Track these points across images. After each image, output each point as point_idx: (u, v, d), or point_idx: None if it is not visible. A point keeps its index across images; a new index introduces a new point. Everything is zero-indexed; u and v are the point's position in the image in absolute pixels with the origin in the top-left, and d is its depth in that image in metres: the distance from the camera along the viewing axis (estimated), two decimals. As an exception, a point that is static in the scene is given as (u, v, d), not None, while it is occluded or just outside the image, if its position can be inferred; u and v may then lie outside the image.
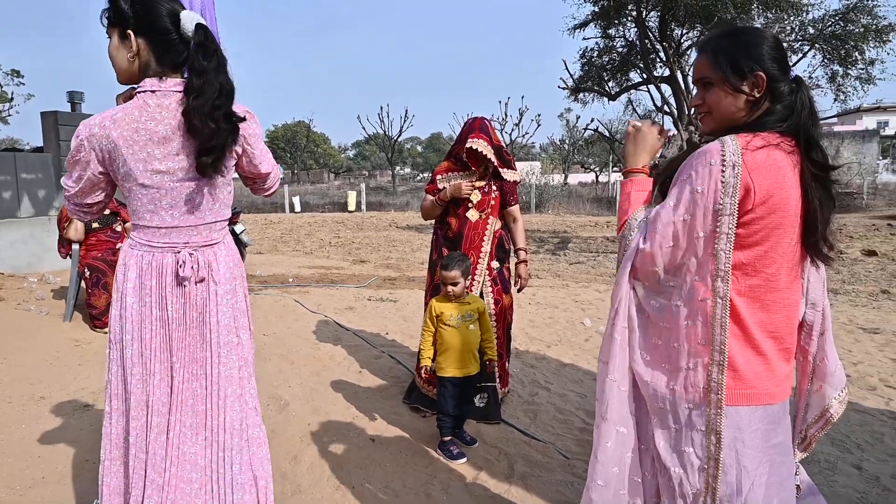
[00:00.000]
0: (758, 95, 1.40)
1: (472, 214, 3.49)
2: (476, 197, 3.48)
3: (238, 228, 8.72)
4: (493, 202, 3.51)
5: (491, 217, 3.51)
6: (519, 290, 3.69)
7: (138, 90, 1.74)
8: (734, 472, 1.36)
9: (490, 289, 3.49)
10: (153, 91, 1.71)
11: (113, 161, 1.71)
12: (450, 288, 3.02)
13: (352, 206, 25.64)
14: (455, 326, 3.03)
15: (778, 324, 1.39)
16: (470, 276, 3.09)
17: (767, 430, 1.38)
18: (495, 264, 3.53)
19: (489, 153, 3.40)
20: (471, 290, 3.43)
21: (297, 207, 25.40)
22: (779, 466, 1.40)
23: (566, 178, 37.98)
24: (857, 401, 3.83)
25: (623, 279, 1.48)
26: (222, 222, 1.89)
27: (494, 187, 3.52)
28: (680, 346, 1.37)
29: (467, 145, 3.42)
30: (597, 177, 41.63)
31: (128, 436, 1.80)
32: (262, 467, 1.93)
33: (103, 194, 1.82)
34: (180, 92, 1.73)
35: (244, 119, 1.80)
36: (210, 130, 1.68)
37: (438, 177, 3.60)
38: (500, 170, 3.49)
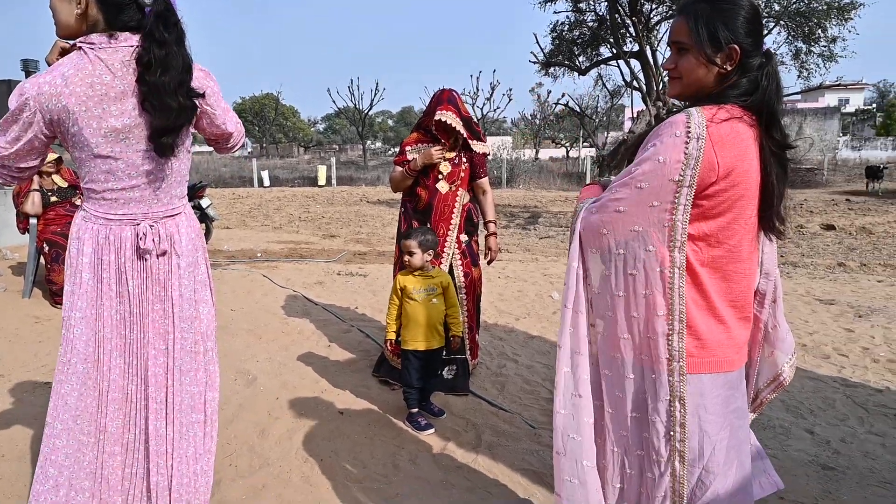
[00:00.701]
0: (729, 69, 1.41)
1: (443, 186, 3.48)
2: (446, 168, 3.47)
3: (205, 202, 8.51)
4: (462, 174, 3.50)
5: (460, 189, 3.50)
6: (489, 263, 3.70)
7: (83, 44, 1.62)
8: (696, 437, 1.40)
9: (459, 262, 3.51)
10: (106, 48, 1.60)
11: (61, 123, 1.60)
12: (406, 258, 3.04)
13: (322, 180, 25.30)
14: (418, 300, 3.04)
15: (738, 293, 1.43)
16: (432, 251, 3.06)
17: (727, 396, 1.43)
18: (464, 237, 3.54)
19: (458, 125, 3.38)
20: (440, 264, 3.44)
21: (266, 182, 24.96)
22: (737, 430, 1.45)
23: (537, 153, 38.06)
24: (811, 369, 3.98)
25: (574, 250, 1.49)
26: (182, 189, 1.82)
27: (464, 159, 3.51)
28: (639, 316, 1.39)
29: (436, 117, 3.38)
30: (567, 152, 41.82)
31: (78, 407, 1.76)
32: (204, 443, 1.90)
33: (39, 159, 1.71)
34: (132, 47, 1.62)
35: (203, 95, 1.73)
36: (174, 108, 1.61)
37: (408, 148, 3.58)
38: (470, 141, 3.47)
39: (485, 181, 3.61)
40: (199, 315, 1.85)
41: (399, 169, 3.57)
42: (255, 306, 5.23)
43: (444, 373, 3.41)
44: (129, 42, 1.63)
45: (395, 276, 3.70)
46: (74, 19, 1.62)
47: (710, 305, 1.38)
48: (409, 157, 3.52)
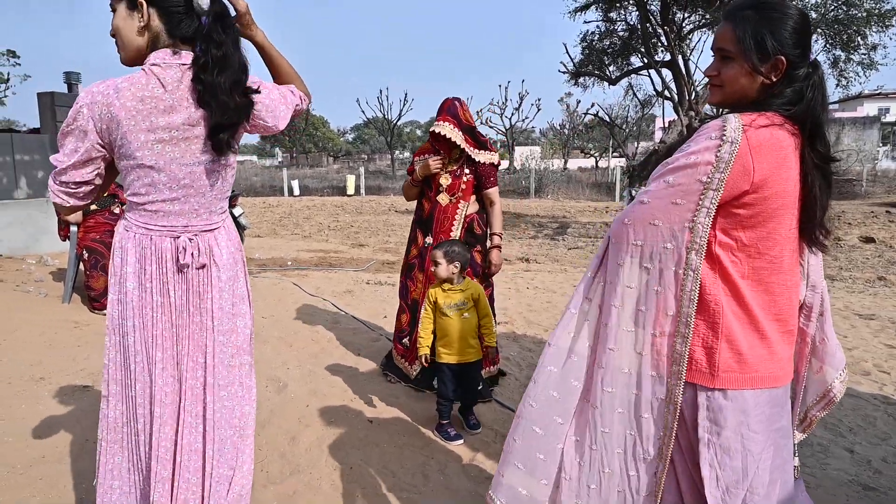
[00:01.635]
0: (774, 80, 1.38)
1: (443, 198, 3.50)
2: (446, 181, 3.48)
3: (237, 211, 8.70)
4: (464, 186, 3.49)
5: (462, 201, 3.49)
6: (489, 276, 3.57)
7: (146, 64, 1.65)
8: (740, 456, 1.36)
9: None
10: (161, 65, 1.63)
11: (111, 133, 1.61)
12: (432, 268, 3.05)
13: (351, 189, 25.56)
14: (449, 315, 3.03)
15: (781, 306, 1.40)
16: (459, 262, 3.02)
17: (772, 414, 1.39)
18: None
19: (455, 136, 3.37)
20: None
21: (296, 191, 25.33)
22: (781, 450, 1.42)
23: (566, 162, 37.86)
24: (851, 385, 3.86)
25: (597, 257, 1.50)
26: (223, 205, 1.83)
27: (468, 171, 3.49)
28: (647, 311, 1.37)
29: (431, 128, 3.42)
30: (596, 162, 41.51)
31: (129, 420, 1.77)
32: (240, 458, 1.90)
33: (95, 173, 1.69)
34: (187, 65, 1.65)
35: (259, 91, 1.74)
36: (232, 106, 1.63)
37: (416, 159, 3.63)
38: (471, 151, 3.45)
39: (493, 192, 3.54)
40: (237, 328, 1.85)
41: (408, 177, 3.66)
42: (285, 314, 5.30)
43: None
44: (184, 60, 1.66)
45: (400, 279, 3.76)
46: (137, 33, 1.65)
47: (753, 319, 1.35)
48: (417, 167, 3.56)
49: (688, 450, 1.43)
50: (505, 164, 38.95)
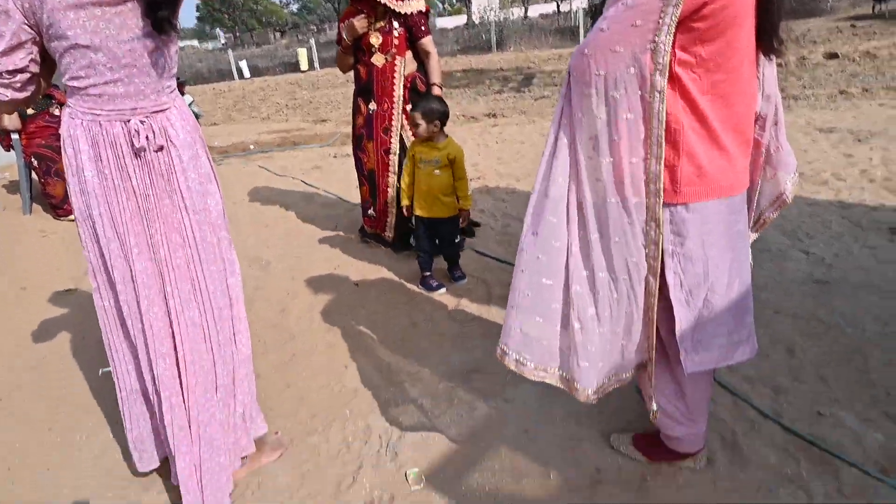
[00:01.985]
0: None
1: (378, 59, 3.36)
2: (377, 40, 3.33)
3: (187, 100, 8.28)
4: (396, 42, 3.34)
5: (398, 58, 3.36)
6: None
7: None
8: (701, 262, 1.47)
9: (410, 133, 3.43)
10: None
11: (35, 12, 1.50)
12: (412, 129, 3.02)
13: (304, 65, 24.20)
14: (422, 169, 3.07)
15: (740, 117, 1.43)
16: (440, 121, 2.98)
17: (730, 220, 1.48)
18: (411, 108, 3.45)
19: None
20: (389, 140, 3.44)
21: (246, 73, 23.95)
22: (740, 251, 1.52)
23: (526, 11, 35.94)
24: (809, 195, 4.04)
25: (561, 94, 1.48)
26: (170, 84, 1.73)
27: (397, 25, 3.32)
28: (620, 139, 1.40)
29: None
30: (558, 6, 39.43)
31: (119, 306, 1.82)
32: (237, 324, 1.96)
33: (29, 58, 1.57)
34: None
35: None
36: None
37: (341, 25, 3.42)
38: (393, 4, 3.26)
39: (426, 41, 3.39)
40: (209, 207, 1.84)
41: (337, 49, 3.50)
42: (256, 196, 5.27)
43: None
44: None
45: (353, 154, 3.72)
46: None
47: (712, 134, 1.39)
48: (343, 33, 3.39)
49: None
50: (462, 18, 36.86)
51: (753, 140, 1.59)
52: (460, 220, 3.13)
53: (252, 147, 7.81)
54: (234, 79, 23.36)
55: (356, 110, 3.63)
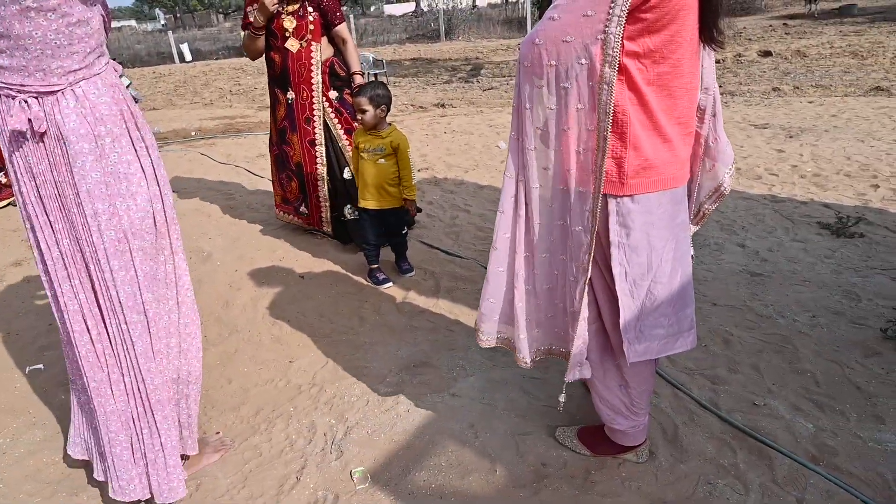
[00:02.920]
0: None
1: (292, 44, 3.27)
2: (291, 24, 3.23)
3: (124, 82, 7.95)
4: (312, 27, 3.25)
5: (314, 43, 3.27)
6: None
7: None
8: (645, 253, 1.49)
9: (336, 120, 3.38)
10: None
11: None
12: (359, 116, 2.94)
13: (248, 49, 23.46)
14: (366, 159, 3.00)
15: (683, 109, 1.45)
16: (386, 105, 2.92)
17: (673, 211, 1.50)
18: (334, 94, 3.37)
19: None
20: (314, 129, 3.36)
21: (188, 56, 23.04)
22: (682, 242, 1.55)
23: (474, 0, 35.90)
24: (744, 189, 4.20)
25: (518, 75, 1.48)
26: (66, 65, 1.51)
27: (311, 8, 3.24)
28: (569, 130, 1.41)
29: None
30: (506, -4, 39.52)
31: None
32: (171, 338, 1.78)
33: None
34: None
35: None
36: None
37: (249, 9, 3.28)
38: None
39: (341, 28, 3.33)
40: (117, 211, 1.59)
41: (244, 33, 3.35)
42: (198, 185, 5.08)
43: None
44: None
45: (272, 151, 3.64)
46: None
47: (657, 125, 1.40)
48: (251, 17, 3.25)
49: (601, 258, 1.54)
50: (411, 6, 36.47)
51: (694, 133, 1.62)
52: (407, 209, 3.08)
53: (194, 133, 7.53)
54: (174, 62, 22.46)
55: (274, 102, 3.50)
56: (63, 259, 1.63)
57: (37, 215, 1.60)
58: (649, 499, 1.70)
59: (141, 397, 1.70)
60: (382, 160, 2.99)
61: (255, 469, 1.91)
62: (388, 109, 2.97)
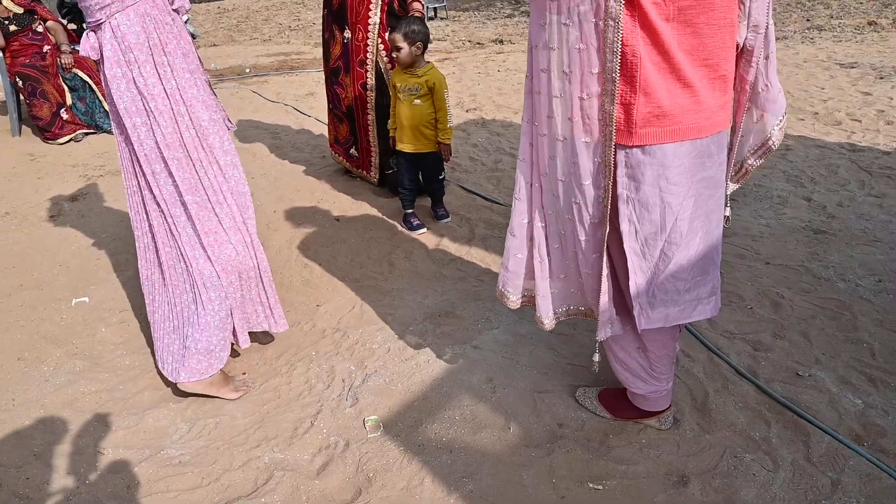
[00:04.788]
0: None
1: None
2: None
3: (182, 19, 7.93)
4: None
5: None
6: None
7: None
8: (658, 210, 1.34)
9: (389, 66, 3.18)
10: None
11: None
12: (393, 54, 2.82)
13: (310, -17, 23.15)
14: (402, 100, 2.89)
15: (711, 49, 1.26)
16: (422, 42, 2.78)
17: (694, 165, 1.33)
18: (390, 35, 3.19)
19: None
20: (365, 73, 3.18)
21: (251, -9, 22.97)
22: (706, 200, 1.39)
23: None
24: (819, 136, 3.83)
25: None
26: (101, 2, 1.68)
27: None
28: (572, 73, 1.26)
29: None
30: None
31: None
32: (223, 234, 1.99)
33: None
34: None
35: None
36: None
37: None
38: None
39: None
40: (150, 126, 1.80)
41: None
42: (246, 123, 5.09)
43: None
44: None
45: (327, 89, 3.49)
46: None
47: (675, 67, 1.22)
48: None
49: (613, 213, 1.40)
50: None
51: (738, 76, 1.42)
52: (441, 154, 2.97)
53: (248, 71, 7.54)
54: (238, -4, 22.44)
55: (331, 38, 3.35)
56: (126, 161, 1.89)
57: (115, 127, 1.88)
58: (667, 468, 1.61)
59: (189, 283, 1.91)
60: (418, 101, 2.86)
61: (273, 411, 1.94)
62: (425, 47, 2.82)
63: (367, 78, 3.22)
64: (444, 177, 3.15)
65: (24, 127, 5.21)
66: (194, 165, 1.83)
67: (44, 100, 4.84)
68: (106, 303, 2.58)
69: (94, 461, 1.76)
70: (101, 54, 1.72)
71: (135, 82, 1.73)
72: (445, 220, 3.13)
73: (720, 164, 1.40)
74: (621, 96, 1.23)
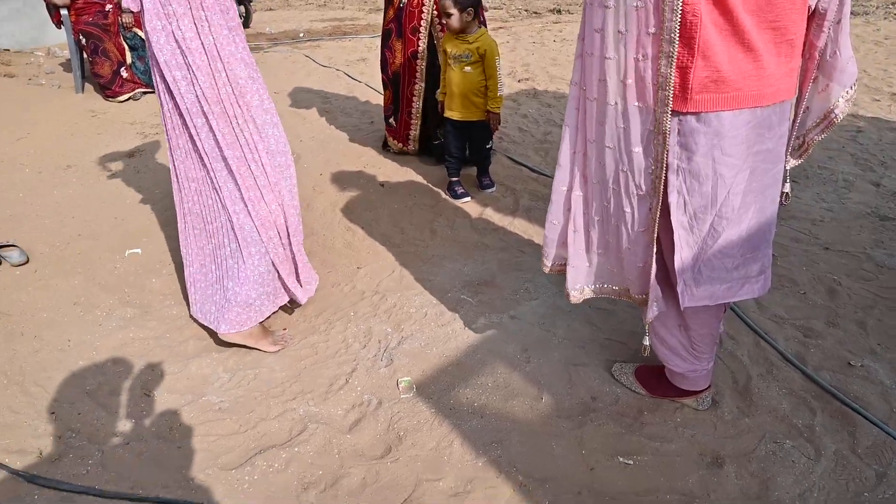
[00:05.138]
0: None
1: None
2: None
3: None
4: None
5: None
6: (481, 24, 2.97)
7: None
8: (710, 182, 1.28)
9: (441, 32, 3.10)
10: None
11: None
12: (444, 20, 2.78)
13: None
14: (452, 67, 2.85)
15: (781, 11, 1.17)
16: (473, 8, 2.70)
17: (752, 136, 1.26)
18: None
19: None
20: (418, 40, 3.10)
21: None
22: (762, 174, 1.31)
23: None
24: (894, 118, 3.60)
25: None
26: None
27: None
28: (627, 33, 1.19)
29: None
30: None
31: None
32: (259, 191, 2.00)
33: None
34: None
35: None
36: None
37: None
38: None
39: None
40: (189, 79, 1.80)
41: None
42: (297, 87, 5.14)
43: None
44: None
45: (381, 50, 3.41)
46: None
47: (738, 29, 1.15)
48: None
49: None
50: None
51: (807, 41, 1.32)
52: (490, 122, 2.92)
53: (302, 35, 7.58)
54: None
55: (388, 1, 3.30)
56: (168, 115, 1.89)
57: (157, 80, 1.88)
58: (702, 448, 1.57)
59: (231, 236, 1.95)
60: (468, 68, 2.81)
61: (310, 366, 1.98)
62: (476, 13, 2.76)
63: (418, 46, 3.17)
64: (491, 146, 3.10)
65: (86, 84, 5.39)
66: (230, 122, 1.85)
67: (105, 58, 4.99)
68: (157, 255, 2.67)
69: (140, 402, 1.84)
70: (142, 6, 1.73)
71: (174, 35, 1.73)
72: (490, 190, 3.09)
73: (780, 136, 1.32)
74: (679, 59, 1.17)
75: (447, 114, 2.97)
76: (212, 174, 1.88)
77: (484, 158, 3.10)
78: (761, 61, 1.18)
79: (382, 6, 3.39)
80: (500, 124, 2.96)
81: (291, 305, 2.19)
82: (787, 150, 1.42)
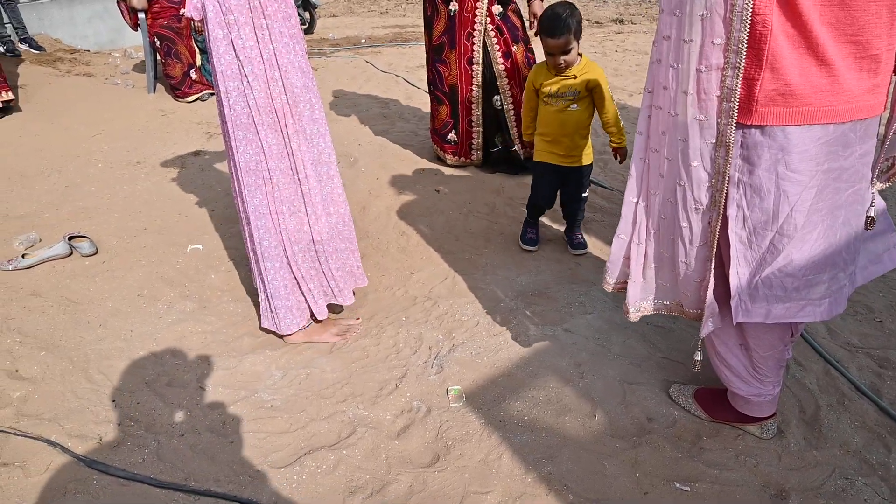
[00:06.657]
0: None
1: None
2: None
3: (314, -7, 8.07)
4: None
5: None
6: (536, 34, 2.49)
7: None
8: (772, 197, 1.22)
9: (494, 40, 3.06)
10: None
11: None
12: (560, 59, 2.26)
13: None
14: (551, 105, 2.40)
15: (863, 23, 1.10)
16: (577, 40, 2.26)
17: (823, 153, 1.19)
18: (497, 8, 3.03)
19: None
20: (472, 46, 3.04)
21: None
22: (832, 193, 1.23)
23: None
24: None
25: None
26: None
27: None
28: (692, 43, 1.14)
29: None
30: None
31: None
32: (295, 203, 2.01)
33: None
34: None
35: None
36: None
37: None
38: None
39: None
40: (243, 90, 1.80)
41: None
42: (357, 92, 5.22)
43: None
44: None
45: (428, 68, 3.35)
46: None
47: (812, 42, 1.08)
48: None
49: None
50: None
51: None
52: (617, 159, 2.45)
53: (364, 41, 7.71)
54: (359, -31, 22.96)
55: (434, 14, 3.23)
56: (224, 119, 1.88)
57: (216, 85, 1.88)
58: (765, 479, 1.49)
59: (251, 248, 1.99)
60: (575, 105, 2.35)
61: (360, 369, 1.98)
62: (579, 37, 2.29)
63: (473, 52, 3.15)
64: (586, 196, 2.61)
65: (158, 85, 5.63)
66: (280, 132, 1.84)
67: (177, 60, 5.20)
68: (217, 251, 2.75)
69: (195, 395, 1.88)
70: (204, 14, 1.75)
71: (233, 44, 1.73)
72: (582, 251, 2.59)
73: (861, 155, 1.24)
74: (745, 70, 1.12)
75: (538, 157, 2.53)
76: (240, 186, 1.89)
77: (578, 210, 2.60)
78: (837, 76, 1.11)
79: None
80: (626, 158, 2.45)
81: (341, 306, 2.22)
82: (873, 172, 1.34)
